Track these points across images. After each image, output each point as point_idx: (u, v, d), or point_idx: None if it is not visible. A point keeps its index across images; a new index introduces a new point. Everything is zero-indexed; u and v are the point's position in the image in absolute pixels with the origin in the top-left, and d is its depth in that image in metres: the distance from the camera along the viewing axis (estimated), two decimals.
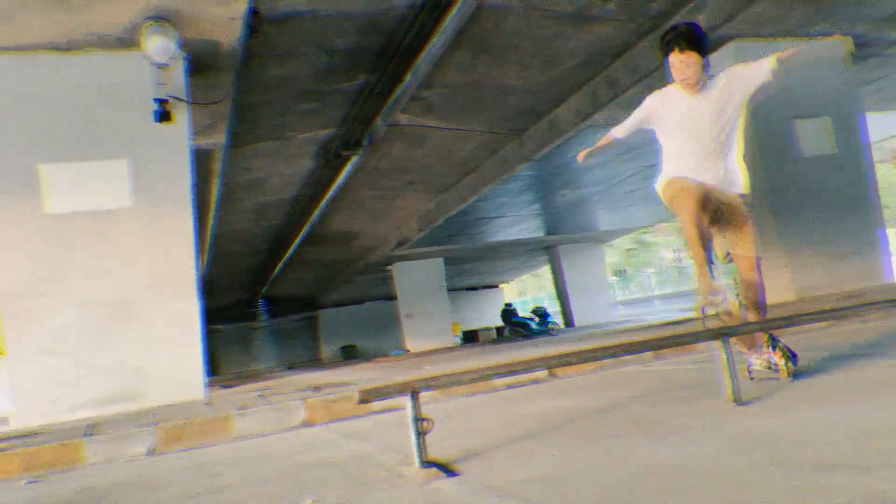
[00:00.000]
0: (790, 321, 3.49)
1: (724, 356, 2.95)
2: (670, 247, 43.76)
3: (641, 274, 42.38)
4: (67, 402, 6.50)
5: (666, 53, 3.44)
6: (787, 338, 5.17)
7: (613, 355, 3.19)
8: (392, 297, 24.87)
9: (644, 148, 12.19)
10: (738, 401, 2.87)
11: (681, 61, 3.37)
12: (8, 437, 5.22)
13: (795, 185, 9.44)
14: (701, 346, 5.11)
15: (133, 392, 6.69)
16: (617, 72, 10.08)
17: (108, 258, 6.79)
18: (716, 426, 2.48)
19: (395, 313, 25.37)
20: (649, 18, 8.87)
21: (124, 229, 6.85)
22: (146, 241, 6.91)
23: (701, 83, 3.43)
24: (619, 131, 3.79)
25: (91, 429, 4.90)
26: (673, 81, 3.50)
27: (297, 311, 32.86)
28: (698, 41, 3.37)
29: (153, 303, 6.87)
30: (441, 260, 23.40)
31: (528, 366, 3.16)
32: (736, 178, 3.52)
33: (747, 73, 3.46)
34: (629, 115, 3.71)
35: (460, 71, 9.77)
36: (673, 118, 3.50)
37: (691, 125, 3.46)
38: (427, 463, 2.51)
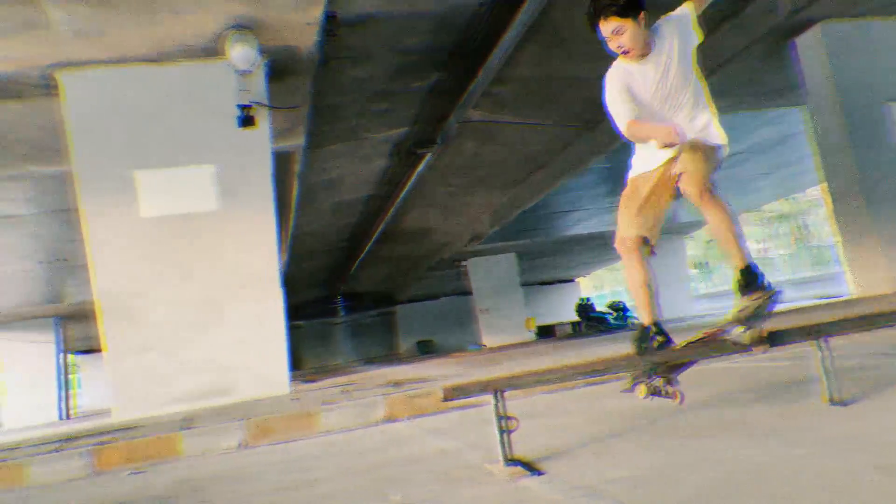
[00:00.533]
0: (888, 318, 3.31)
1: (819, 354, 2.83)
2: (754, 237, 42.13)
3: (724, 266, 40.99)
4: (163, 397, 6.85)
5: (593, 28, 2.96)
6: (884, 333, 4.90)
7: (700, 356, 3.12)
8: (467, 292, 24.98)
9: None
10: (835, 401, 2.75)
11: (611, 31, 2.89)
12: (112, 430, 5.55)
13: (890, 172, 8.95)
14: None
15: (223, 387, 6.98)
16: None
17: (198, 259, 7.11)
18: (812, 427, 2.39)
19: (470, 308, 25.47)
20: (729, 3, 8.57)
21: (212, 231, 7.16)
22: (232, 242, 7.20)
23: (648, 44, 2.94)
24: (628, 114, 2.96)
25: (186, 422, 5.15)
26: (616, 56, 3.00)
27: (374, 306, 33.46)
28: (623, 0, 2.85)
29: (240, 301, 7.15)
30: (514, 255, 23.32)
31: (611, 365, 3.12)
32: (712, 130, 3.04)
33: (681, 27, 2.97)
34: None
35: (532, 65, 9.70)
36: (643, 99, 3.00)
37: (663, 98, 3.00)
38: (511, 461, 2.52)
